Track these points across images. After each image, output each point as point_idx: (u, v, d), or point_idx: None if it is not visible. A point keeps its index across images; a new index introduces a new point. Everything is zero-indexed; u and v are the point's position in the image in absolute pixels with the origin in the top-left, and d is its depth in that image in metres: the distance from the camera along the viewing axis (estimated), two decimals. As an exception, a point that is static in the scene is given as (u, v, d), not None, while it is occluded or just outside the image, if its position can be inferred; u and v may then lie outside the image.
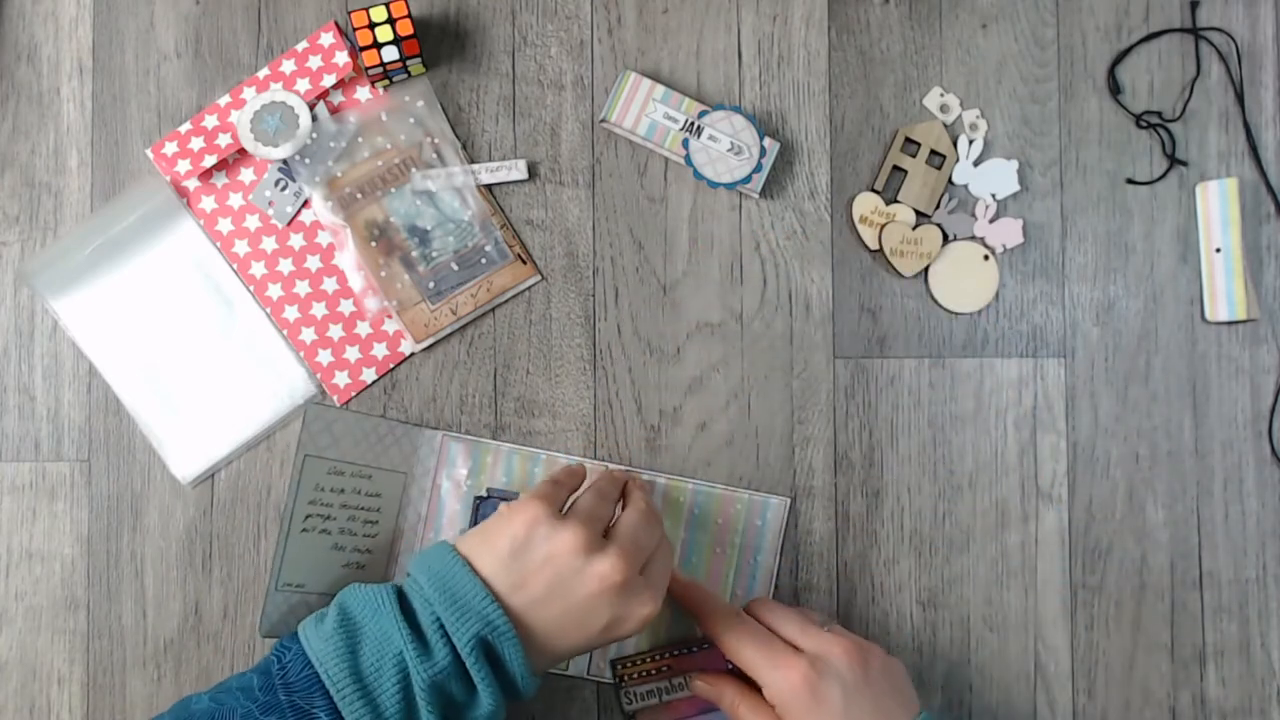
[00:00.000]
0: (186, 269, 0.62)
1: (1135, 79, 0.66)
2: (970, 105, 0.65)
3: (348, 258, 0.62)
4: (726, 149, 0.63)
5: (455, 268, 0.62)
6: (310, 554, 0.58)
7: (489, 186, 0.63)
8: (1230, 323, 0.65)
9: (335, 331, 0.62)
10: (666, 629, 0.62)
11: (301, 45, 0.62)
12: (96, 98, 0.63)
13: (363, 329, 0.63)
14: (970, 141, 0.65)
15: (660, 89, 0.63)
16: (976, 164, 0.65)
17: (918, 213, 0.64)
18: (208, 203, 0.62)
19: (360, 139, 0.62)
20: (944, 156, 0.65)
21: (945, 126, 0.65)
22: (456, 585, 0.49)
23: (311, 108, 0.62)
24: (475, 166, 0.63)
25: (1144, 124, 0.66)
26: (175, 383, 0.62)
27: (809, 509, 0.64)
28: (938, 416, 0.64)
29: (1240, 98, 0.66)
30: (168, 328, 0.62)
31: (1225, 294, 0.64)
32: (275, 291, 0.62)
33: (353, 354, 0.62)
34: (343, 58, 0.62)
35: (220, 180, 0.62)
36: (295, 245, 0.63)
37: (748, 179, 0.63)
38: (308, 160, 0.62)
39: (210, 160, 0.61)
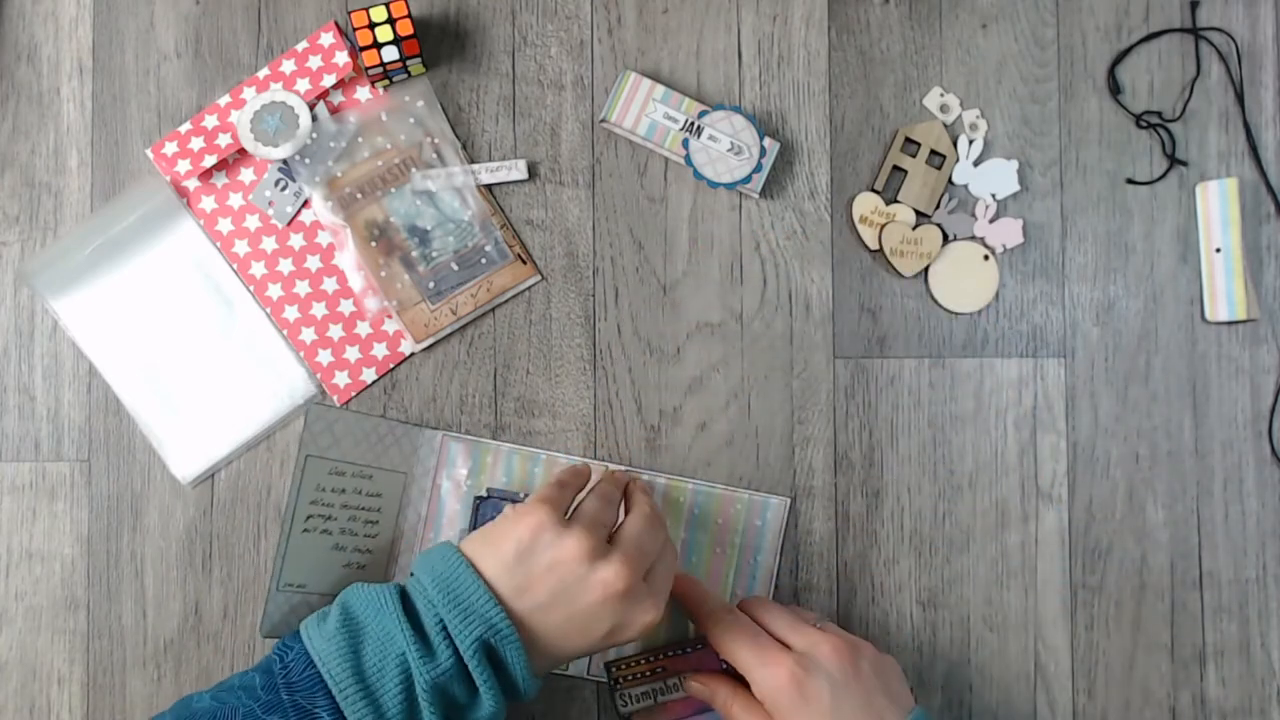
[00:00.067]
0: (186, 269, 0.62)
1: (1135, 79, 0.66)
2: (970, 105, 0.65)
3: (348, 258, 0.62)
4: (726, 149, 0.63)
5: (455, 268, 0.62)
6: (311, 554, 0.58)
7: (489, 186, 0.63)
8: (1230, 323, 0.65)
9: (335, 331, 0.62)
10: (666, 629, 0.62)
11: (301, 45, 0.62)
12: (96, 98, 0.63)
13: (363, 329, 0.63)
14: (970, 141, 0.65)
15: (660, 89, 0.63)
16: (976, 164, 0.65)
17: (918, 213, 0.64)
18: (208, 203, 0.62)
19: (360, 139, 0.62)
20: (944, 156, 0.65)
21: (945, 126, 0.65)
22: (460, 587, 0.49)
23: (311, 108, 0.62)
24: (475, 166, 0.63)
25: (1144, 124, 0.66)
26: (175, 383, 0.62)
27: (809, 509, 0.64)
28: (938, 416, 0.64)
29: (1240, 98, 0.66)
30: (168, 328, 0.62)
31: (1225, 294, 0.64)
32: (275, 291, 0.62)
33: (353, 354, 0.62)
34: (343, 58, 0.62)
35: (220, 180, 0.62)
36: (295, 245, 0.63)
37: (748, 179, 0.63)
38: (308, 160, 0.62)
39: (210, 160, 0.61)
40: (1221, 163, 0.66)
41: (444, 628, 0.49)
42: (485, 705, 0.49)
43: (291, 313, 0.62)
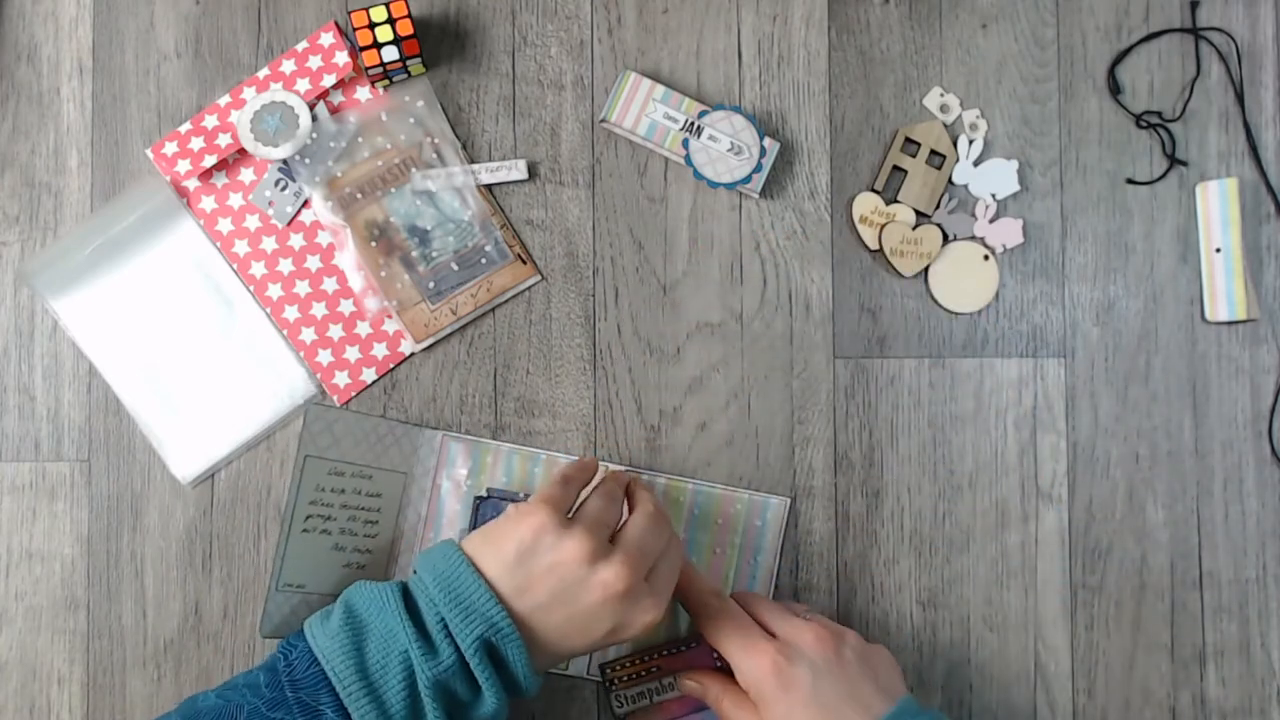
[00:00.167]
0: (186, 269, 0.62)
1: (1135, 79, 0.66)
2: (970, 105, 0.65)
3: (348, 258, 0.62)
4: (726, 149, 0.63)
5: (455, 268, 0.62)
6: (311, 554, 0.58)
7: (489, 186, 0.63)
8: (1230, 323, 0.65)
9: (335, 331, 0.62)
10: (666, 628, 0.62)
11: (301, 45, 0.62)
12: (96, 98, 0.63)
13: (363, 329, 0.63)
14: (970, 141, 0.65)
15: (660, 89, 0.63)
16: (976, 164, 0.65)
17: (918, 213, 0.64)
18: (208, 203, 0.62)
19: (360, 139, 0.62)
20: (944, 156, 0.65)
21: (945, 126, 0.65)
22: (461, 586, 0.50)
23: (311, 108, 0.62)
24: (475, 166, 0.63)
25: (1144, 124, 0.66)
26: (175, 383, 0.62)
27: (809, 509, 0.64)
28: (938, 416, 0.64)
29: (1240, 98, 0.66)
30: (168, 328, 0.62)
31: (1225, 294, 0.64)
32: (275, 291, 0.62)
33: (353, 354, 0.62)
34: (343, 58, 0.62)
35: (220, 180, 0.62)
36: (295, 245, 0.63)
37: (748, 179, 0.63)
38: (308, 160, 0.62)
39: (210, 160, 0.61)
40: (1221, 163, 0.66)
41: (445, 626, 0.49)
42: (488, 702, 0.49)
43: (291, 313, 0.62)
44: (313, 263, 0.63)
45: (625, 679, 0.61)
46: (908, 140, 0.64)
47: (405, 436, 0.62)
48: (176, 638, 0.61)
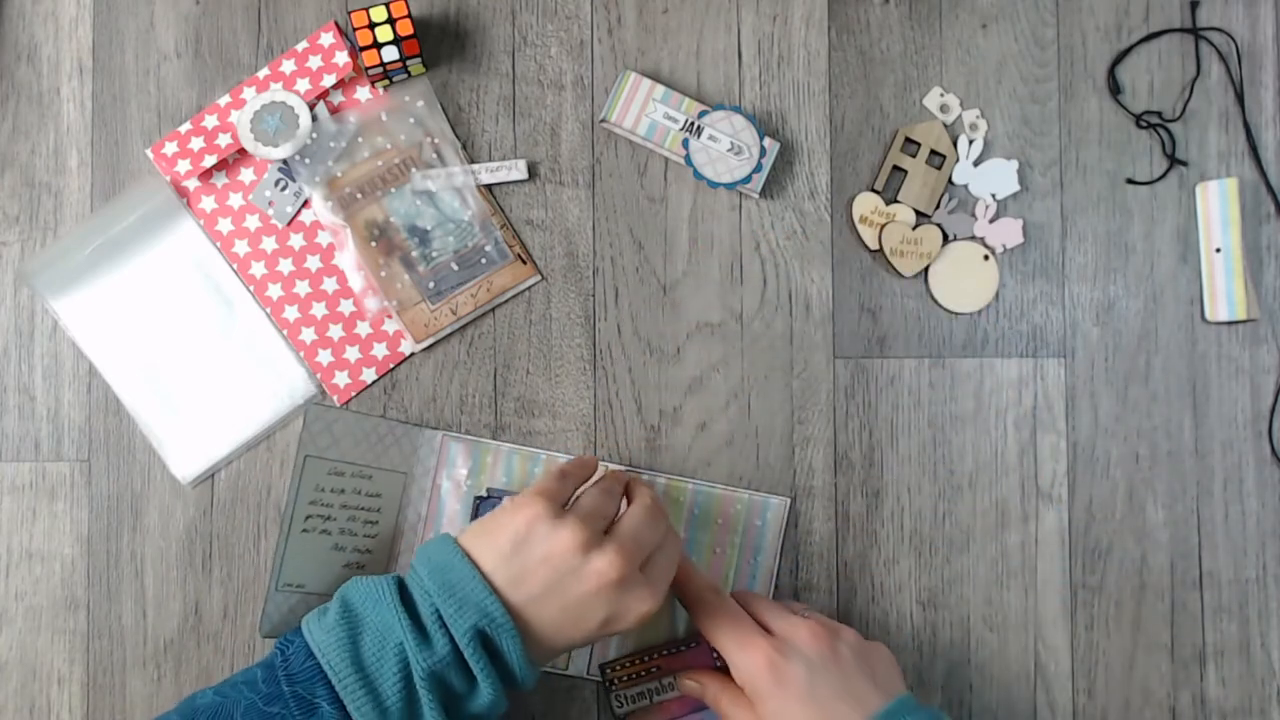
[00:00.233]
0: (186, 269, 0.62)
1: (1135, 79, 0.66)
2: (970, 105, 0.65)
3: (348, 258, 0.62)
4: (726, 149, 0.63)
5: (455, 268, 0.62)
6: (310, 554, 0.58)
7: (489, 186, 0.63)
8: (1230, 323, 0.65)
9: (335, 331, 0.62)
10: (667, 627, 0.62)
11: (301, 45, 0.62)
12: (96, 98, 0.63)
13: (363, 329, 0.63)
14: (970, 141, 0.65)
15: (660, 89, 0.63)
16: (976, 164, 0.65)
17: (918, 213, 0.64)
18: (208, 203, 0.62)
19: (360, 139, 0.62)
20: (944, 156, 0.65)
21: (945, 126, 0.65)
22: (455, 578, 0.50)
23: (311, 108, 0.62)
24: (475, 166, 0.63)
25: (1144, 124, 0.66)
26: (175, 383, 0.62)
27: (809, 509, 0.64)
28: (938, 416, 0.64)
29: (1240, 98, 0.66)
30: (168, 328, 0.62)
31: (1225, 294, 0.64)
32: (275, 291, 0.62)
33: (353, 354, 0.62)
34: (343, 58, 0.62)
35: (220, 180, 0.62)
36: (295, 245, 0.63)
37: (748, 179, 0.63)
38: (308, 160, 0.62)
39: (210, 160, 0.61)
40: (1221, 163, 0.66)
41: (440, 617, 0.49)
42: (483, 694, 0.49)
43: (291, 313, 0.62)
44: (313, 263, 0.63)
45: (625, 679, 0.61)
46: (908, 140, 0.64)
47: (405, 436, 0.62)
48: (176, 638, 0.61)
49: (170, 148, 0.61)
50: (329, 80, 0.62)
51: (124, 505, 0.62)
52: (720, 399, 0.64)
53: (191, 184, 0.62)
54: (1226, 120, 0.66)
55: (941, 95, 0.65)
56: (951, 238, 0.65)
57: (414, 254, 0.62)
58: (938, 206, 0.64)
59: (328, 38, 0.62)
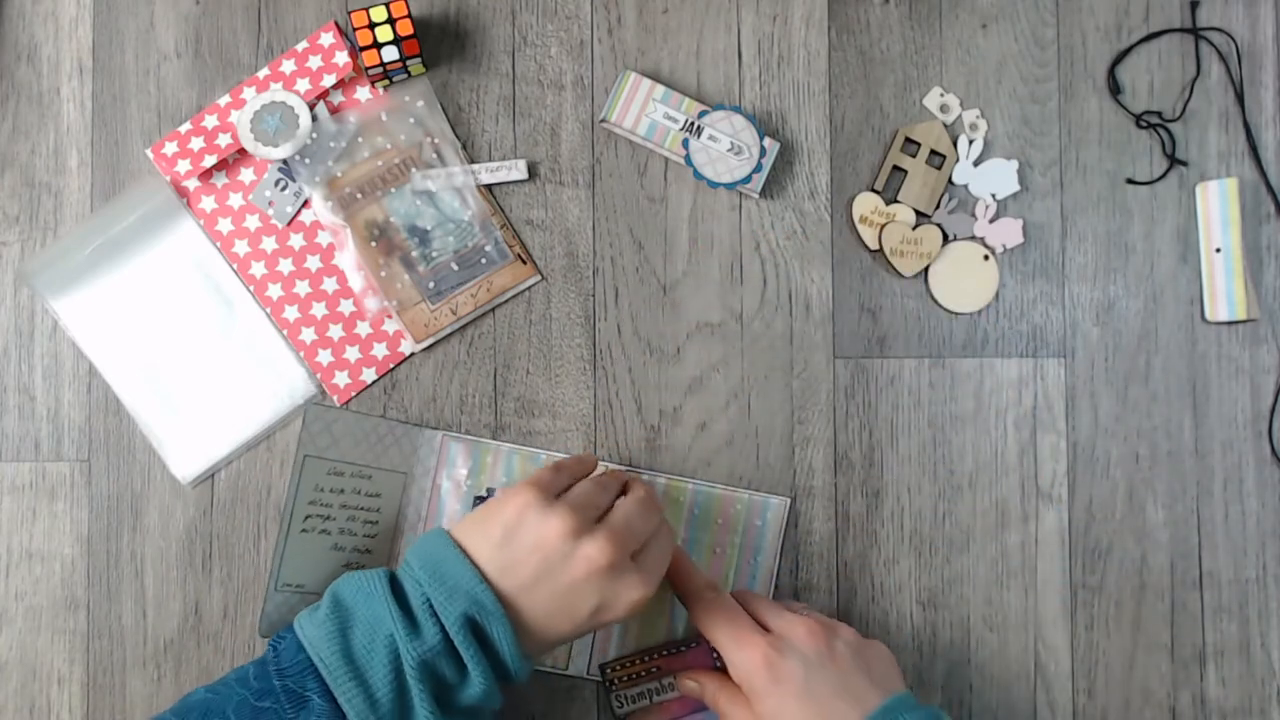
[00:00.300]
0: (186, 269, 0.62)
1: (1135, 79, 0.66)
2: (970, 105, 0.65)
3: (348, 258, 0.62)
4: (726, 149, 0.63)
5: (455, 268, 0.62)
6: (310, 554, 0.58)
7: (489, 186, 0.63)
8: (1230, 323, 0.65)
9: (335, 331, 0.62)
10: (667, 627, 0.62)
11: (301, 45, 0.62)
12: (96, 98, 0.63)
13: (363, 329, 0.63)
14: (970, 141, 0.65)
15: (660, 89, 0.63)
16: (976, 164, 0.65)
17: (918, 213, 0.64)
18: (208, 203, 0.62)
19: (360, 139, 0.62)
20: (944, 156, 0.65)
21: (945, 126, 0.65)
22: (446, 566, 0.50)
23: (311, 108, 0.62)
24: (475, 166, 0.63)
25: (1144, 124, 0.66)
26: (175, 383, 0.62)
27: (809, 509, 0.64)
28: (938, 416, 0.64)
29: (1240, 98, 0.66)
30: (168, 328, 0.62)
31: (1225, 294, 0.64)
32: (275, 291, 0.62)
33: (353, 354, 0.62)
34: (343, 58, 0.62)
35: (220, 180, 0.62)
36: (295, 245, 0.63)
37: (748, 179, 0.63)
38: (308, 160, 0.62)
39: (210, 160, 0.61)
40: (1221, 163, 0.66)
41: (430, 605, 0.49)
42: (475, 683, 0.49)
43: (291, 313, 0.62)
44: (313, 263, 0.63)
45: (625, 679, 0.61)
46: (908, 140, 0.64)
47: (405, 436, 0.62)
48: (176, 638, 0.61)
49: (170, 148, 0.61)
50: (329, 80, 0.62)
51: (124, 505, 0.62)
52: (720, 399, 0.64)
53: (191, 184, 0.62)
54: (1226, 120, 0.66)
55: (941, 95, 0.65)
56: (951, 238, 0.65)
57: (414, 254, 0.62)
58: (938, 206, 0.64)
59: (328, 38, 0.62)
